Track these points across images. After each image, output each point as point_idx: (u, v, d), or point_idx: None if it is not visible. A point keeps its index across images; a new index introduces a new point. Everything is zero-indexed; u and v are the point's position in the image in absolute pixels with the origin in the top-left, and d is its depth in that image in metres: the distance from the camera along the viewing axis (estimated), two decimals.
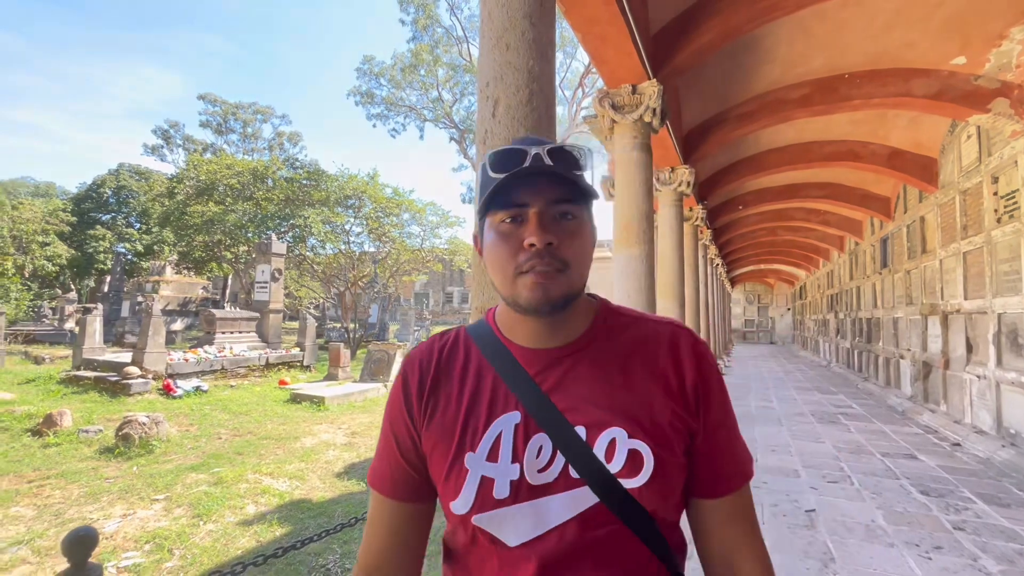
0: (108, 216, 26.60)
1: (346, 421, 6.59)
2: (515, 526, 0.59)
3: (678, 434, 0.63)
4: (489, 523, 0.60)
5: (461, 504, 0.61)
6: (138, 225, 26.21)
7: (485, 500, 0.60)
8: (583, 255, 0.63)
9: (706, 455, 0.65)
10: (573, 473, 0.59)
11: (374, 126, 25.56)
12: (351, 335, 14.70)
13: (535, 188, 0.61)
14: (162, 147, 31.26)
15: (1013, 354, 4.80)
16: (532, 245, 0.59)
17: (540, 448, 0.61)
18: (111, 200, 26.98)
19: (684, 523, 0.68)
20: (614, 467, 0.59)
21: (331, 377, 9.34)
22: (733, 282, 21.62)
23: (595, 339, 0.67)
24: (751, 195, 9.36)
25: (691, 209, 7.37)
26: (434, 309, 38.24)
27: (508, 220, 0.62)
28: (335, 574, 2.76)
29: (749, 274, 21.69)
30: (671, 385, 0.64)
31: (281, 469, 4.56)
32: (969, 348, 5.67)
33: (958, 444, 5.25)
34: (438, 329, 27.19)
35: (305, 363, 10.97)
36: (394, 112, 24.56)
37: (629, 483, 0.59)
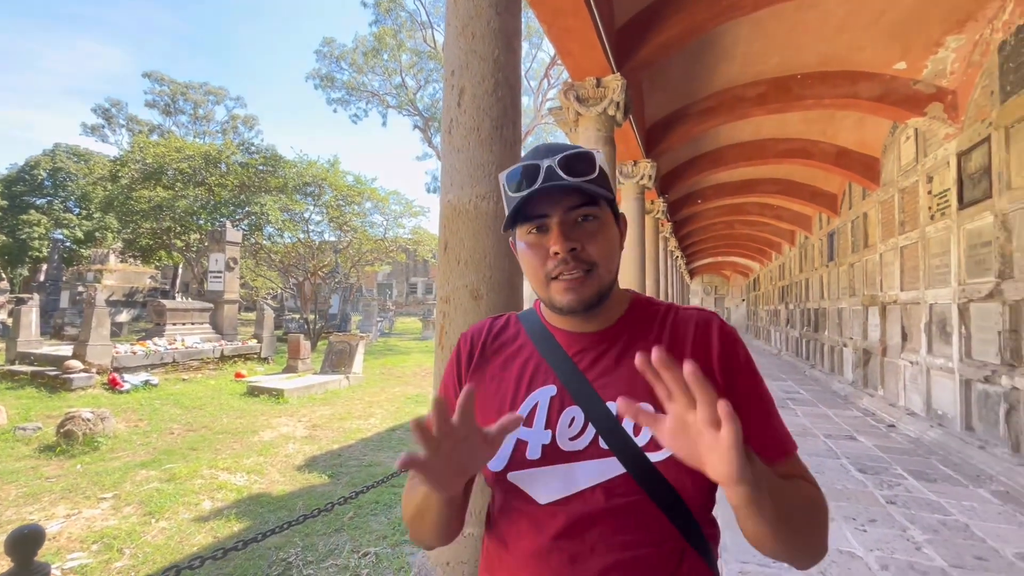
0: (43, 200, 24.81)
1: (307, 414, 6.45)
2: (545, 485, 0.65)
3: None
4: (521, 481, 0.66)
5: (496, 462, 0.67)
6: (77, 210, 24.56)
7: (518, 460, 0.67)
8: (608, 252, 0.68)
9: None
10: (602, 444, 0.64)
11: (335, 111, 24.77)
12: (311, 326, 14.33)
13: (552, 199, 0.66)
14: (103, 127, 29.40)
15: (942, 342, 5.18)
16: (557, 253, 0.65)
17: (572, 419, 0.67)
18: (46, 183, 25.15)
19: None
20: (641, 440, 0.63)
21: (290, 369, 9.11)
22: (692, 274, 22.30)
23: (629, 325, 0.73)
24: (710, 189, 9.65)
25: (652, 202, 7.54)
26: (397, 300, 37.72)
27: (533, 231, 0.68)
28: (297, 567, 2.73)
29: (707, 266, 22.41)
30: (698, 364, 0.67)
31: (238, 464, 4.43)
32: (904, 336, 6.09)
33: (893, 425, 5.64)
34: (401, 320, 26.84)
35: (263, 355, 10.64)
36: (356, 97, 23.88)
37: (654, 456, 0.63)
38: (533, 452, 0.66)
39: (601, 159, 0.69)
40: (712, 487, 0.68)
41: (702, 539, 0.65)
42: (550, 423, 0.67)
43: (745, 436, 0.66)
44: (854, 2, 4.23)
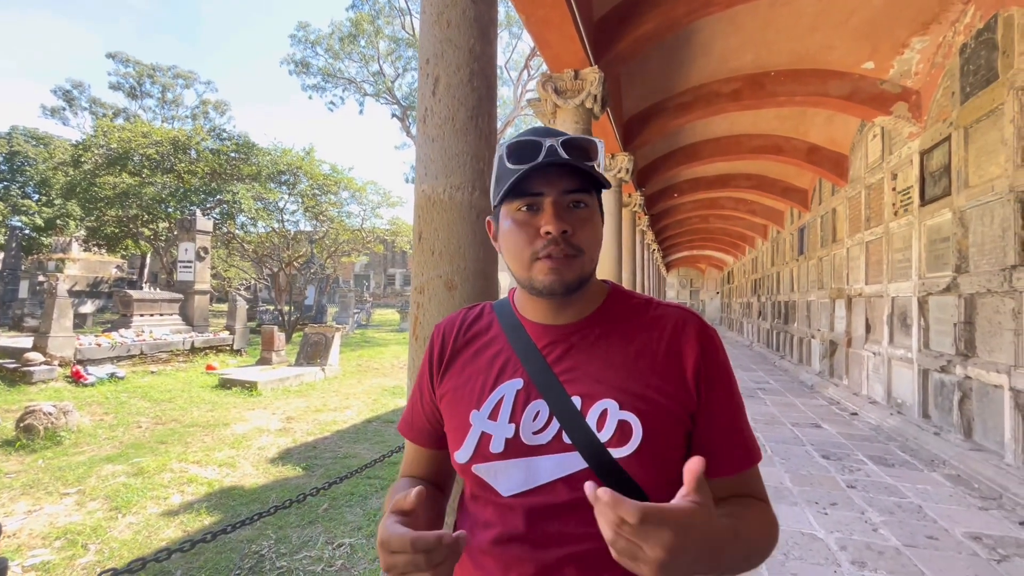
0: (0, 185, 23.65)
1: (281, 406, 6.36)
2: (507, 478, 0.66)
3: (674, 414, 0.65)
4: (486, 473, 0.67)
5: (463, 454, 0.69)
6: (37, 196, 23.47)
7: (483, 452, 0.67)
8: (594, 241, 0.68)
9: (705, 436, 0.67)
10: (566, 439, 0.64)
11: (310, 98, 24.19)
12: (286, 318, 14.07)
13: (549, 178, 0.65)
14: (64, 109, 28.08)
15: (902, 333, 5.40)
16: (548, 233, 0.64)
17: (537, 413, 0.67)
18: (2, 167, 24.00)
19: None
20: (604, 436, 0.63)
21: (264, 361, 8.94)
22: (668, 267, 22.64)
23: (603, 319, 0.72)
24: (686, 184, 9.79)
25: (630, 195, 7.60)
26: (375, 291, 37.31)
27: (524, 208, 0.67)
28: (270, 559, 2.71)
29: (683, 259, 22.77)
30: (672, 366, 0.67)
31: (210, 457, 4.35)
32: (868, 328, 6.31)
33: (855, 413, 5.86)
34: (379, 311, 26.56)
35: (235, 347, 10.42)
36: (332, 84, 23.33)
37: (618, 452, 0.63)
38: (496, 446, 0.67)
39: (603, 150, 0.68)
40: (679, 483, 0.68)
41: None
42: (514, 417, 0.67)
43: (711, 446, 0.66)
44: (825, 1, 4.32)
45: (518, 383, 0.69)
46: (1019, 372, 3.60)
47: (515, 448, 0.66)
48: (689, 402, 0.66)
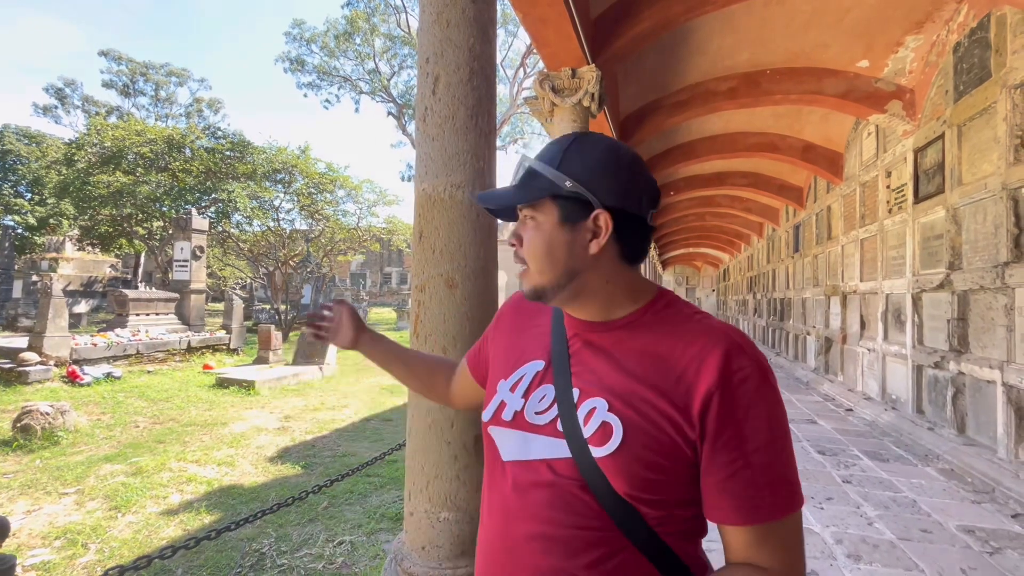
0: None
1: (279, 405, 6.35)
2: (509, 445, 0.73)
3: (667, 435, 0.62)
4: (496, 435, 0.76)
5: (486, 414, 0.78)
6: (29, 195, 23.31)
7: (496, 417, 0.76)
8: (535, 254, 0.70)
9: (705, 475, 0.62)
10: (559, 426, 0.68)
11: (305, 96, 24.09)
12: (282, 317, 14.04)
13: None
14: (56, 108, 27.92)
15: (896, 330, 5.45)
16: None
17: (544, 396, 0.73)
18: None
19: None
20: (587, 432, 0.65)
21: (261, 360, 8.92)
22: (664, 265, 22.68)
23: (634, 323, 0.71)
24: (682, 182, 9.80)
25: None
26: (371, 290, 37.22)
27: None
28: (270, 557, 2.72)
29: (679, 257, 22.81)
30: (680, 389, 0.63)
31: (208, 456, 4.35)
32: (863, 325, 6.36)
33: (851, 409, 5.92)
34: (376, 310, 26.49)
35: (232, 346, 10.39)
36: (327, 82, 23.26)
37: (596, 451, 0.64)
38: (507, 414, 0.74)
39: (530, 161, 0.69)
40: (683, 517, 0.65)
41: (652, 541, 0.64)
42: (527, 393, 0.74)
43: (708, 487, 0.62)
44: (820, 0, 4.35)
45: (540, 364, 0.75)
46: (1012, 368, 3.64)
47: (519, 421, 0.73)
48: (691, 431, 0.61)
